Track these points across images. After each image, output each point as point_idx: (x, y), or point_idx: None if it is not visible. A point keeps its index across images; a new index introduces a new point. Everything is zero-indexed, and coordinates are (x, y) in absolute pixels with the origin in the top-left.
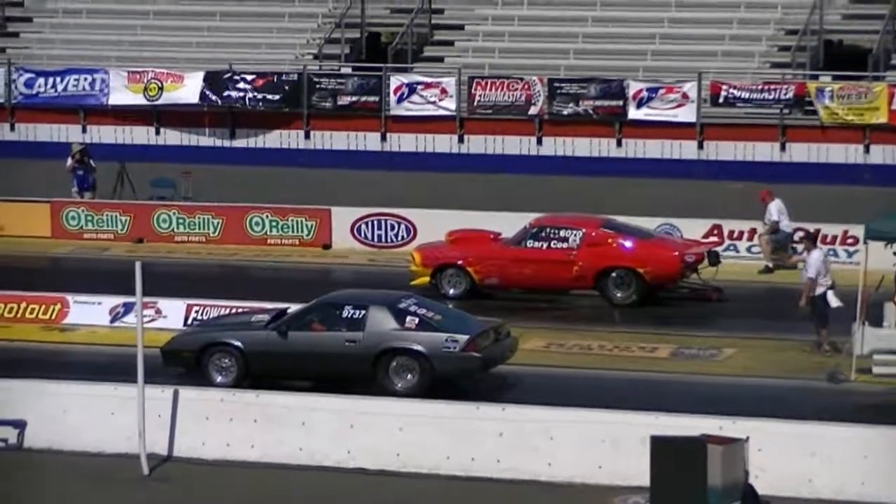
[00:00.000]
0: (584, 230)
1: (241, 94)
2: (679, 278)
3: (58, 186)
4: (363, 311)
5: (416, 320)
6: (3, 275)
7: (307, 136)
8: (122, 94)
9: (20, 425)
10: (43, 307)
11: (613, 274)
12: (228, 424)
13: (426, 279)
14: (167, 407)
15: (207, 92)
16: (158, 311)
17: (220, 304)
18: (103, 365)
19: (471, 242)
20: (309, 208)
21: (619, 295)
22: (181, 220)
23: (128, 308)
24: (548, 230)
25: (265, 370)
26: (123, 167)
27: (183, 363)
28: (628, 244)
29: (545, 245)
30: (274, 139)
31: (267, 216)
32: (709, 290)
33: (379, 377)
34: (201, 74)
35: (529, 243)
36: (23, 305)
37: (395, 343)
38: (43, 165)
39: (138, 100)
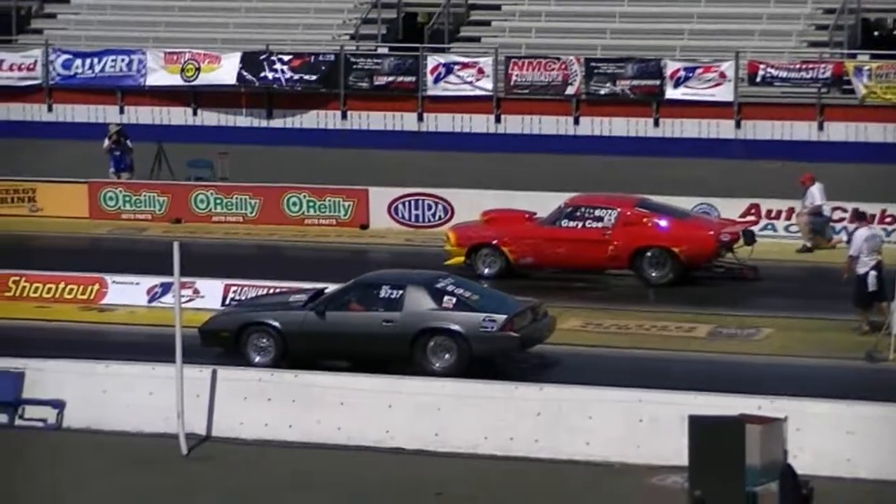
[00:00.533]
0: (619, 210)
1: (278, 74)
2: (714, 257)
3: (96, 167)
4: (401, 291)
5: (454, 300)
6: (41, 255)
7: (344, 117)
8: (159, 75)
9: (59, 405)
10: (81, 287)
11: (648, 253)
12: (267, 404)
13: (461, 259)
14: (206, 387)
15: (244, 72)
16: (196, 291)
17: (257, 285)
18: (141, 345)
19: (505, 222)
20: (346, 188)
21: (654, 274)
22: (219, 201)
23: (165, 288)
24: (583, 210)
25: (303, 350)
26: (161, 148)
27: (221, 343)
28: (663, 224)
29: (580, 224)
30: (311, 119)
31: (304, 196)
32: (745, 269)
33: (416, 357)
34: (238, 55)
35: (564, 223)
36: (61, 286)
37: (433, 323)
38: (80, 146)
39: (175, 80)
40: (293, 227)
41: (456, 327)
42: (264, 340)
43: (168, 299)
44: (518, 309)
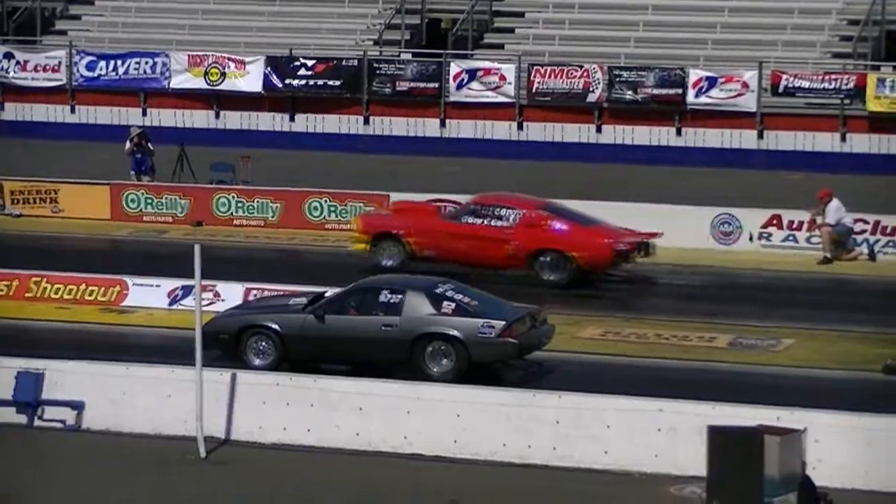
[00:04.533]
0: (521, 211)
1: (302, 79)
2: (611, 266)
3: (118, 169)
4: (400, 296)
5: (453, 305)
6: (62, 256)
7: (367, 122)
8: (183, 78)
9: (78, 406)
10: (102, 289)
11: (545, 256)
12: (285, 408)
13: (365, 246)
14: (225, 390)
15: (269, 77)
16: (217, 295)
17: (277, 289)
18: (161, 347)
19: (412, 214)
20: (368, 194)
21: (549, 277)
22: (240, 204)
23: (186, 291)
24: (487, 208)
25: (302, 354)
26: (183, 150)
27: (221, 345)
28: (563, 228)
29: (482, 222)
30: (333, 124)
31: (326, 201)
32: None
33: (415, 362)
34: (262, 59)
35: (468, 219)
36: (82, 287)
37: (432, 328)
38: (103, 148)
39: (199, 83)
40: (314, 232)
41: (454, 332)
42: (263, 343)
43: (188, 302)
44: (517, 315)
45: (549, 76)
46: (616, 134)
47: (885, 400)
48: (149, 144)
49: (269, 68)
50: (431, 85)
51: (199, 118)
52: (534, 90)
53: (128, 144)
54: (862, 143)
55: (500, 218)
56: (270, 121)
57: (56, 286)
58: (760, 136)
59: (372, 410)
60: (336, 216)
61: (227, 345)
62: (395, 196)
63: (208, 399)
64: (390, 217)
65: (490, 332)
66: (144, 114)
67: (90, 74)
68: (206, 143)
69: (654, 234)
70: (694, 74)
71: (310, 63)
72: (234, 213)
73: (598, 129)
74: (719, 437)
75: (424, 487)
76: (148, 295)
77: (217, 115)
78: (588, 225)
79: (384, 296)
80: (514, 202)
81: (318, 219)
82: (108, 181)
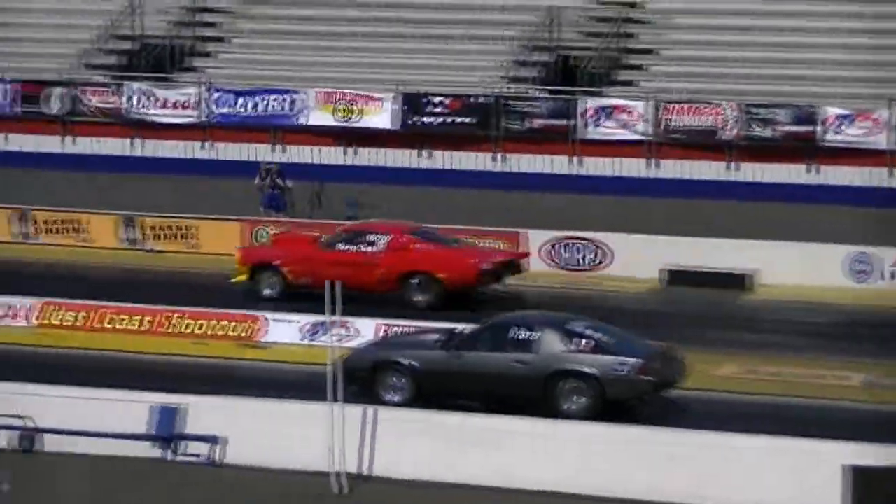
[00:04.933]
0: (389, 236)
1: (437, 116)
2: (477, 284)
3: (250, 204)
4: (535, 333)
5: (588, 342)
6: (197, 292)
7: (501, 159)
8: (316, 115)
9: (214, 441)
10: (238, 324)
11: (414, 279)
12: (425, 444)
13: (244, 277)
14: (363, 426)
15: (401, 113)
16: (350, 330)
17: (409, 324)
18: (297, 382)
19: (289, 244)
20: (500, 230)
21: (419, 298)
22: None
23: (320, 326)
24: (358, 234)
25: (437, 390)
26: (318, 187)
27: (357, 381)
28: (429, 250)
29: (354, 248)
30: (466, 161)
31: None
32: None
33: (549, 399)
34: (395, 96)
35: (341, 246)
36: (218, 322)
37: (566, 365)
38: (235, 183)
39: (331, 120)
40: None
41: (590, 370)
42: (399, 379)
43: (323, 337)
44: (651, 352)
45: (682, 113)
46: (749, 171)
47: None
48: (286, 181)
49: (402, 105)
50: (562, 122)
51: (330, 154)
52: (666, 127)
53: (257, 179)
54: None
55: (370, 244)
56: (402, 157)
57: (192, 321)
58: (891, 173)
59: (512, 447)
60: None
61: (362, 380)
62: (531, 234)
63: (347, 434)
64: (268, 248)
65: (625, 369)
66: (276, 149)
67: (224, 111)
68: (337, 180)
69: (523, 255)
70: (827, 112)
71: (443, 100)
72: None
73: (732, 167)
74: (861, 477)
75: None
76: (284, 330)
77: (345, 152)
78: (452, 246)
79: (518, 332)
80: (382, 228)
81: None
82: (241, 217)
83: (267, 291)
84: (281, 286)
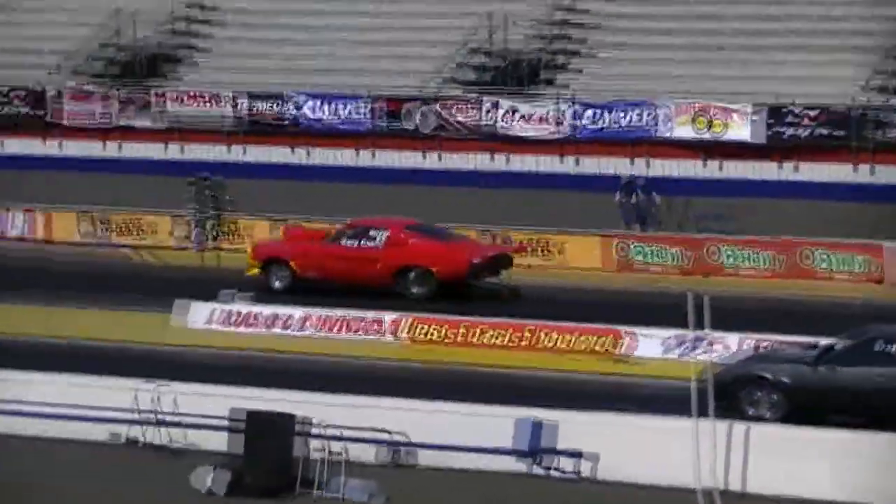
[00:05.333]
0: (388, 231)
1: (803, 129)
2: (469, 277)
3: (607, 218)
4: None
5: None
6: (556, 305)
7: (870, 171)
8: (676, 128)
9: (577, 455)
10: (597, 338)
11: (410, 273)
12: (798, 461)
13: (256, 271)
14: (733, 442)
15: (766, 125)
16: (711, 344)
17: (770, 338)
18: (659, 397)
19: (298, 239)
20: (861, 243)
21: (415, 291)
22: (729, 252)
23: (680, 340)
24: (361, 230)
25: (808, 405)
26: (688, 203)
27: (726, 397)
28: (424, 245)
29: (357, 243)
30: (829, 173)
31: (818, 250)
32: (502, 289)
33: None
34: (758, 108)
35: (346, 241)
36: (578, 336)
37: None
38: (593, 197)
39: (691, 133)
40: (805, 281)
41: None
42: (768, 395)
43: (683, 351)
44: None
45: None
46: None
47: None
48: (647, 194)
49: (768, 118)
50: None
51: (688, 167)
52: None
53: (617, 195)
54: None
55: (371, 239)
56: (768, 169)
57: (551, 334)
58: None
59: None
60: (828, 266)
61: (731, 396)
62: (889, 245)
63: (718, 451)
64: (279, 243)
65: None
66: (633, 163)
67: (583, 124)
68: (701, 194)
69: (519, 249)
70: None
71: (810, 112)
72: (724, 262)
73: None
74: None
75: None
76: (647, 344)
77: (718, 165)
78: (447, 241)
79: (886, 346)
80: (382, 224)
81: (810, 267)
82: (600, 231)
83: (277, 284)
84: (290, 279)
